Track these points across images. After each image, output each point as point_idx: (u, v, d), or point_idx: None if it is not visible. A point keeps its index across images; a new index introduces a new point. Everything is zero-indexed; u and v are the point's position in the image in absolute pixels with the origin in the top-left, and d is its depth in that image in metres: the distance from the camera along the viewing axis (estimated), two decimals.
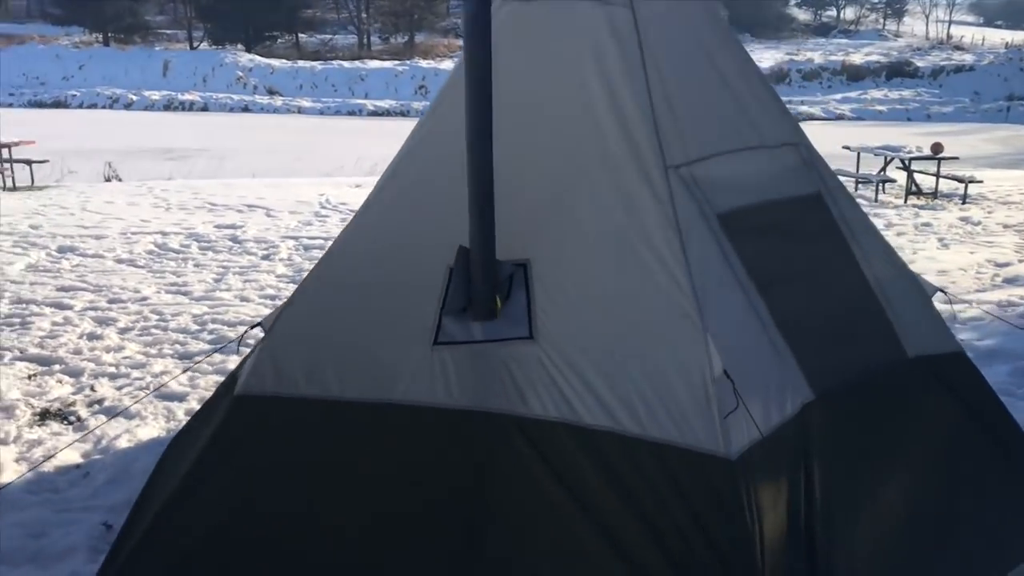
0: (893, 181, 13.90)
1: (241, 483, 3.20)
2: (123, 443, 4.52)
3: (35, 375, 5.49)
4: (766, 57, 45.45)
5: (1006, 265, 8.81)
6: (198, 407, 4.16)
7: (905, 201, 13.12)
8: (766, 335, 3.08)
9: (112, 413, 4.86)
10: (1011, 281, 8.19)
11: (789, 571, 2.77)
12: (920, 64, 43.43)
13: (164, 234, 9.88)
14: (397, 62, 42.82)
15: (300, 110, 35.50)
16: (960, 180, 13.38)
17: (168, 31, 51.47)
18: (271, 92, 38.61)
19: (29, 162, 13.84)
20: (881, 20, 65.55)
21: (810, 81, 42.14)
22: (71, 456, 4.36)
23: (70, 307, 6.97)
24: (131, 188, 13.48)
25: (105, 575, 3.21)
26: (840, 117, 34.79)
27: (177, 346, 6.11)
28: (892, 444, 3.28)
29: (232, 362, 5.23)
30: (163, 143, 21.97)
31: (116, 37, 47.30)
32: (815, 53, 47.15)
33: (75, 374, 5.53)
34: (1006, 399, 4.34)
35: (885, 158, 14.14)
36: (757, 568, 2.65)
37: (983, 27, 65.21)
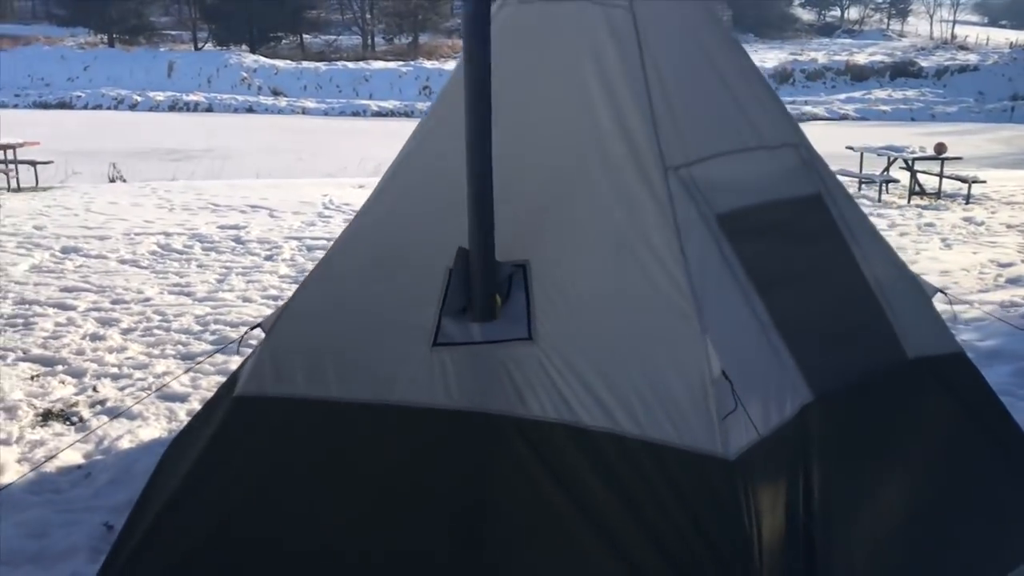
0: (896, 181, 13.90)
1: (241, 484, 3.21)
2: (125, 444, 4.53)
3: (38, 376, 5.51)
4: (770, 57, 45.44)
5: (1009, 265, 8.80)
6: (200, 407, 4.16)
7: (908, 201, 13.12)
8: (765, 336, 3.08)
9: (114, 414, 4.88)
10: (1014, 281, 8.18)
11: (787, 572, 2.77)
12: (924, 64, 43.40)
13: (167, 235, 9.90)
14: (401, 63, 42.88)
15: (304, 111, 35.56)
16: (963, 180, 13.37)
17: (173, 32, 51.57)
18: (275, 93, 38.69)
19: (33, 163, 13.88)
20: (885, 20, 65.50)
21: (814, 81, 42.13)
22: (73, 456, 4.37)
23: (73, 308, 6.98)
24: (135, 189, 13.51)
25: (105, 575, 3.22)
26: (844, 117, 34.78)
27: (179, 347, 6.12)
28: (891, 445, 3.28)
29: (234, 362, 5.24)
30: (167, 144, 22.02)
31: (121, 38, 47.40)
32: (819, 53, 47.13)
33: (78, 375, 5.54)
34: (1008, 400, 4.34)
35: (888, 158, 14.13)
36: (755, 569, 2.65)
37: (987, 27, 65.13)
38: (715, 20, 3.68)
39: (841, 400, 3.17)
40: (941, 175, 13.57)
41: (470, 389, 3.07)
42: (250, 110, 35.58)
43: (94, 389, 5.33)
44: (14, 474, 4.15)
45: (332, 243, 3.53)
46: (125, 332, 6.41)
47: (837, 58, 45.15)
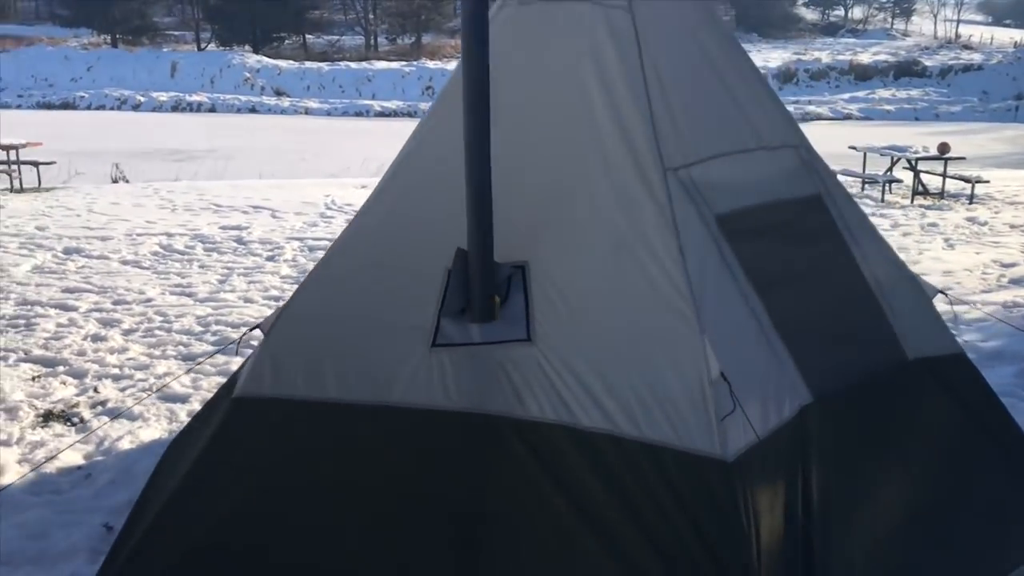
0: (900, 181, 13.87)
1: (240, 484, 3.21)
2: (125, 444, 4.54)
3: (39, 376, 5.51)
4: (773, 57, 45.39)
5: (1012, 266, 8.78)
6: (200, 408, 4.16)
7: (912, 201, 13.09)
8: (764, 337, 3.08)
9: (115, 414, 4.88)
10: (1017, 282, 8.16)
11: (786, 573, 2.77)
12: (928, 63, 43.30)
13: (169, 235, 9.91)
14: (404, 63, 42.85)
15: (307, 111, 35.55)
16: (967, 180, 13.34)
17: (176, 32, 51.55)
18: (278, 93, 38.68)
19: (36, 164, 13.88)
20: (889, 19, 65.40)
21: (817, 81, 42.05)
22: (73, 457, 4.38)
23: (75, 308, 6.99)
24: (137, 189, 13.52)
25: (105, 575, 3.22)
26: (848, 117, 34.71)
27: (181, 347, 6.12)
28: (891, 446, 3.27)
29: (235, 363, 5.23)
30: (170, 144, 22.03)
31: (124, 39, 47.42)
32: (823, 53, 47.03)
33: (79, 375, 5.55)
34: (1011, 401, 4.34)
35: (892, 158, 14.10)
36: (754, 570, 2.64)
37: (992, 26, 65.00)
38: (715, 20, 3.68)
39: (841, 401, 3.17)
40: (944, 175, 13.54)
41: (469, 390, 3.07)
42: (253, 110, 35.57)
43: (95, 390, 5.33)
44: (14, 475, 4.16)
45: (332, 244, 3.53)
46: (126, 333, 6.42)
47: (841, 58, 45.05)
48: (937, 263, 8.87)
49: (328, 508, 3.12)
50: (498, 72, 2.95)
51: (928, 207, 12.66)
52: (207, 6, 48.80)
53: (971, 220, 11.51)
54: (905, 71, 42.50)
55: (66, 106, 35.32)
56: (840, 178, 12.46)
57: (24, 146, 13.87)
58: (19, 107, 34.34)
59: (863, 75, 42.40)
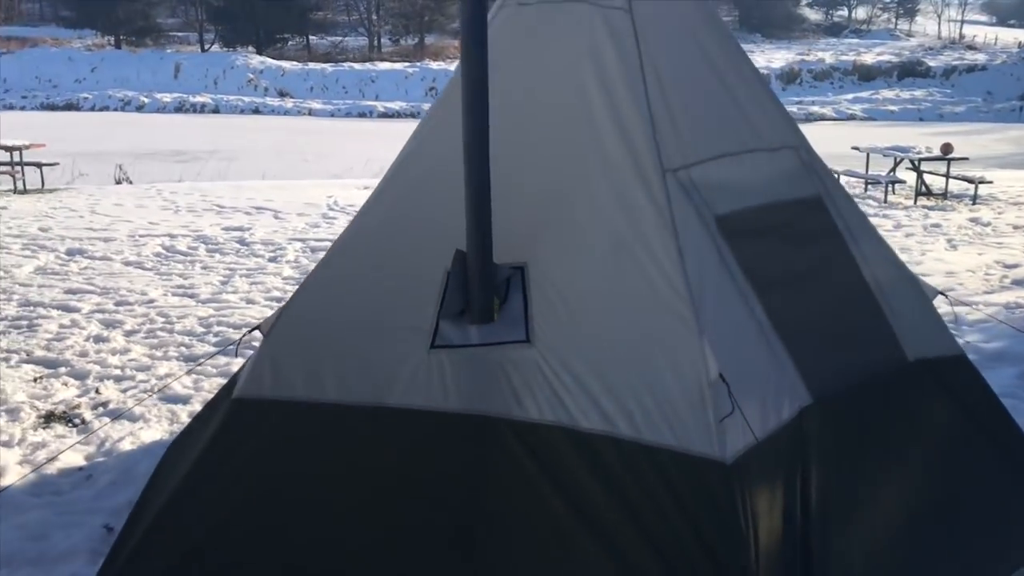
0: (903, 182, 13.85)
1: (239, 485, 3.21)
2: (126, 445, 4.54)
3: (41, 377, 5.52)
4: (777, 57, 45.39)
5: (1015, 267, 8.76)
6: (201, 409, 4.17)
7: (915, 202, 13.08)
8: (764, 338, 3.07)
9: (116, 415, 4.88)
10: (1020, 283, 8.14)
11: (784, 575, 2.76)
12: (932, 64, 43.29)
13: (172, 236, 9.92)
14: (407, 64, 42.92)
15: (311, 112, 35.61)
16: (970, 181, 13.33)
17: (179, 34, 51.65)
18: (282, 94, 38.75)
19: (39, 165, 13.90)
20: (893, 20, 65.33)
21: (821, 81, 42.05)
22: (74, 458, 4.38)
23: (77, 310, 7.00)
24: (140, 190, 13.54)
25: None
26: (851, 117, 34.71)
27: (182, 348, 6.13)
28: (891, 448, 3.27)
29: (236, 364, 5.24)
30: (174, 145, 22.06)
31: (128, 40, 47.53)
32: (826, 53, 47.02)
33: (81, 376, 5.55)
34: (1013, 402, 4.33)
35: (895, 159, 14.08)
36: (752, 571, 2.64)
37: (996, 26, 64.91)
38: (715, 21, 3.67)
39: (840, 402, 3.16)
40: (947, 176, 13.53)
41: (468, 391, 3.06)
42: (256, 111, 35.64)
43: (97, 391, 5.33)
44: (15, 476, 4.16)
45: (332, 245, 3.53)
46: (128, 334, 6.42)
47: (844, 58, 45.04)
48: (940, 264, 8.86)
49: (327, 509, 3.12)
50: (497, 73, 2.95)
51: (931, 208, 12.65)
52: (211, 7, 48.88)
53: (974, 221, 11.49)
54: (909, 71, 42.48)
55: (70, 107, 35.40)
56: (843, 179, 12.41)
57: (27, 147, 13.90)
58: (23, 108, 34.42)
59: (867, 75, 42.39)
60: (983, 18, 72.48)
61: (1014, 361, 5.80)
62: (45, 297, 7.34)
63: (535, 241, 3.11)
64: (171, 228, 10.43)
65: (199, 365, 5.63)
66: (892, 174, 13.82)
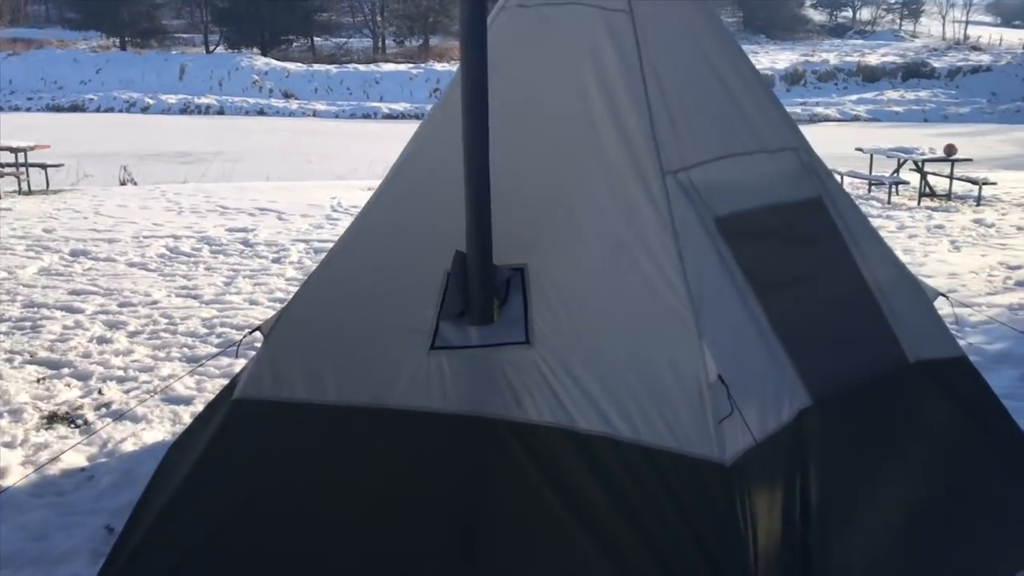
0: (906, 183, 13.83)
1: (239, 486, 3.22)
2: (128, 446, 4.55)
3: (44, 378, 5.53)
4: (781, 58, 45.35)
5: (1019, 268, 8.74)
6: (202, 410, 4.17)
7: (918, 203, 13.05)
8: (763, 340, 3.08)
9: (118, 416, 4.89)
10: (1023, 284, 8.12)
11: None
12: (937, 65, 43.22)
13: (176, 238, 9.94)
14: (411, 65, 42.94)
15: (315, 113, 35.65)
16: (974, 182, 13.31)
17: (184, 35, 51.74)
18: (286, 95, 38.80)
19: (44, 166, 13.93)
20: (897, 21, 65.21)
21: (825, 82, 42.01)
22: (76, 459, 4.39)
23: (81, 311, 7.01)
24: (144, 192, 13.57)
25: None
26: (856, 118, 34.67)
27: (185, 349, 6.14)
28: (891, 450, 3.27)
29: (239, 365, 5.25)
30: (178, 146, 22.09)
31: (133, 41, 47.62)
32: (831, 54, 46.97)
33: (83, 377, 5.56)
34: (1015, 404, 4.31)
35: (898, 160, 14.06)
36: (751, 573, 2.64)
37: (1000, 27, 64.78)
38: (715, 23, 3.67)
39: (840, 404, 3.17)
40: (951, 177, 13.51)
41: (467, 393, 3.07)
42: (261, 112, 35.69)
43: (100, 392, 5.34)
44: (18, 476, 4.17)
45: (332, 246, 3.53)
46: (132, 335, 6.43)
47: (849, 59, 44.99)
48: (943, 265, 8.85)
49: (327, 510, 3.12)
50: (498, 75, 2.96)
51: (935, 209, 12.62)
52: (215, 9, 48.95)
53: (978, 222, 11.48)
54: (913, 72, 42.42)
55: (75, 108, 35.47)
56: (847, 180, 12.36)
57: (32, 148, 13.93)
58: (28, 110, 34.52)
59: (871, 76, 42.34)
60: (988, 19, 72.33)
61: (1017, 362, 5.79)
62: (49, 298, 7.36)
63: (535, 242, 3.12)
64: (175, 229, 10.44)
65: (200, 366, 5.64)
66: (896, 175, 13.80)
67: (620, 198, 3.07)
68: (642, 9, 3.27)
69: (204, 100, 36.71)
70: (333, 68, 42.01)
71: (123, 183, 14.91)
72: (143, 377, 5.59)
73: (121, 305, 7.21)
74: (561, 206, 3.13)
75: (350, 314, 3.28)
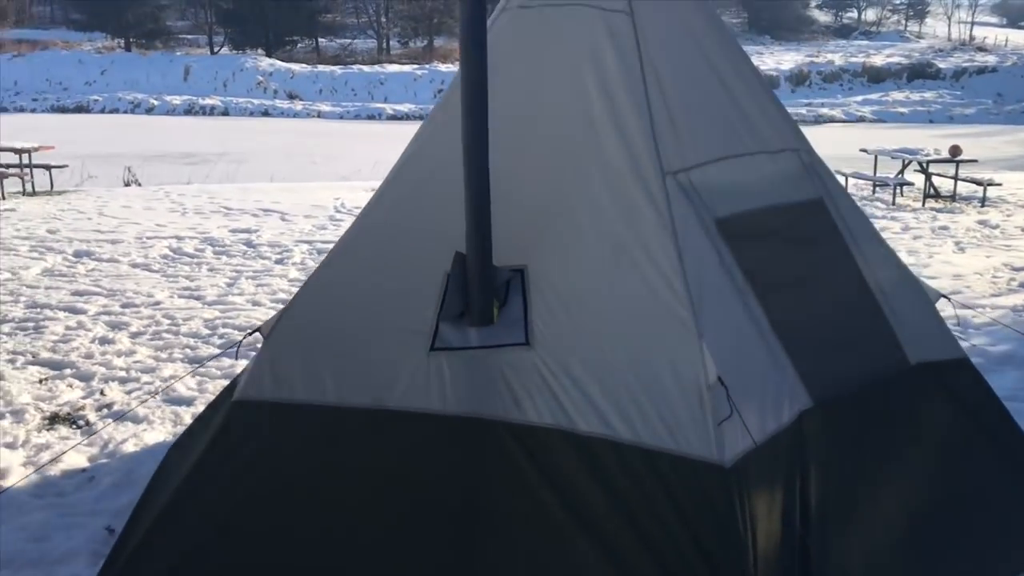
0: (911, 184, 13.79)
1: (239, 487, 3.22)
2: (130, 447, 4.55)
3: (46, 379, 5.54)
4: (786, 59, 45.28)
5: (1023, 269, 8.72)
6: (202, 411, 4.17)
7: (923, 204, 13.02)
8: (763, 342, 3.07)
9: (120, 417, 4.89)
10: None
11: None
12: (942, 66, 43.10)
13: (179, 238, 9.94)
14: (416, 66, 42.92)
15: (320, 114, 35.63)
16: (979, 183, 13.26)
17: (189, 36, 51.79)
18: (291, 96, 38.80)
19: (48, 167, 13.93)
20: (903, 21, 65.10)
21: (830, 83, 41.91)
22: (77, 460, 4.39)
23: (84, 311, 7.02)
24: (148, 193, 13.58)
25: None
26: (861, 119, 34.58)
27: (187, 350, 6.14)
28: (892, 452, 3.26)
29: (240, 366, 5.25)
30: (183, 147, 22.10)
31: (138, 42, 47.67)
32: (836, 55, 46.86)
33: (85, 378, 5.57)
34: (1018, 406, 4.29)
35: (903, 161, 14.03)
36: (750, 575, 2.63)
37: (1006, 28, 64.66)
38: (716, 24, 3.67)
39: (841, 406, 3.16)
40: (956, 178, 13.47)
41: (467, 394, 3.06)
42: (266, 113, 35.68)
43: (101, 393, 5.35)
44: (18, 477, 4.17)
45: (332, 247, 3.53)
46: (134, 336, 6.44)
47: (854, 60, 44.88)
48: (947, 266, 8.83)
49: (327, 511, 3.12)
50: (498, 76, 2.95)
51: (939, 210, 12.59)
52: (220, 10, 48.99)
53: (982, 223, 11.44)
54: (919, 73, 42.31)
55: (80, 109, 35.50)
56: (851, 181, 12.32)
57: (36, 149, 13.93)
58: (34, 111, 34.54)
59: (876, 77, 42.24)
60: (994, 20, 72.22)
61: (1020, 364, 5.78)
62: (52, 299, 7.36)
63: (535, 244, 3.11)
64: (178, 230, 10.45)
65: (200, 367, 5.64)
66: (900, 176, 13.77)
67: (620, 199, 3.07)
68: (643, 10, 3.27)
69: (209, 101, 36.72)
70: (338, 69, 42.01)
71: (127, 184, 14.92)
72: (145, 378, 5.59)
73: (124, 306, 7.22)
74: (561, 207, 3.13)
75: (350, 315, 3.28)
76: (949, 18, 61.17)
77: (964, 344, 4.91)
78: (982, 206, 12.83)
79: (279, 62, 42.72)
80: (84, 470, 4.32)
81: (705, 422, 2.74)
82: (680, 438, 2.77)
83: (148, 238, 9.96)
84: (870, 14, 65.89)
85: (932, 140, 19.47)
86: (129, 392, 5.37)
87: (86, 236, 9.98)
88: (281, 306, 7.02)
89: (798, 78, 41.35)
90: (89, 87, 38.98)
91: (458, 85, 3.03)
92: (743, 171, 3.38)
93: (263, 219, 11.30)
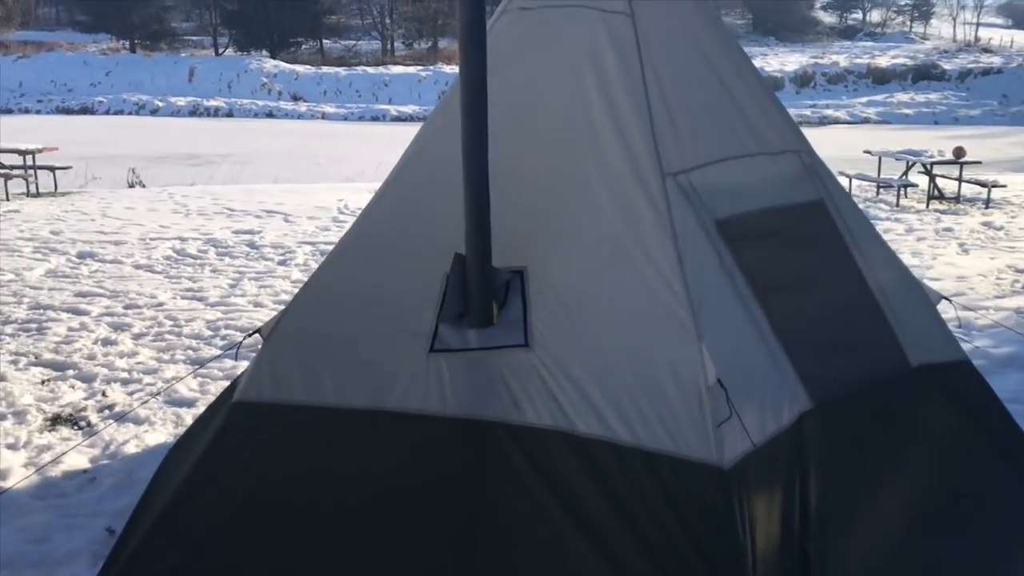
0: (915, 186, 13.77)
1: (238, 488, 3.22)
2: (131, 448, 4.55)
3: (48, 380, 5.54)
4: (791, 61, 45.28)
5: None
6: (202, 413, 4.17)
7: (927, 206, 13.00)
8: (763, 343, 3.06)
9: (121, 418, 4.90)
10: None
11: None
12: (947, 67, 43.07)
13: (182, 240, 9.96)
14: (420, 67, 42.99)
15: (324, 115, 35.70)
16: (983, 184, 13.25)
17: (194, 37, 51.95)
18: (295, 98, 38.88)
19: (52, 168, 13.97)
20: (907, 22, 65.04)
21: (835, 84, 41.91)
22: (78, 461, 4.39)
23: (87, 313, 7.03)
24: (151, 194, 13.60)
25: None
26: (865, 120, 34.56)
27: (190, 352, 6.14)
28: (892, 454, 3.25)
29: (242, 367, 5.25)
30: (187, 149, 22.15)
31: (143, 44, 47.80)
32: (840, 56, 46.86)
33: (88, 379, 5.57)
34: (1021, 408, 4.28)
35: (907, 162, 14.01)
36: None
37: (1012, 29, 64.54)
38: (717, 25, 3.66)
39: (841, 408, 3.15)
40: (960, 179, 13.45)
41: (466, 396, 3.06)
42: (270, 115, 35.77)
43: (103, 394, 5.35)
44: (19, 478, 4.17)
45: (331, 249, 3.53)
46: (136, 337, 6.45)
47: (859, 61, 44.88)
48: (951, 268, 8.81)
49: (326, 513, 3.12)
50: (498, 77, 2.95)
51: (943, 212, 12.57)
52: (225, 11, 49.11)
53: (987, 225, 11.42)
54: (924, 74, 42.28)
55: (85, 111, 35.61)
56: (855, 183, 12.29)
57: (40, 151, 13.97)
58: (39, 112, 34.67)
59: (881, 79, 42.22)
60: (999, 21, 72.11)
61: (1023, 366, 5.75)
62: (55, 300, 7.37)
63: (534, 245, 3.11)
64: (181, 231, 10.47)
65: (200, 368, 5.64)
66: (904, 178, 13.75)
67: (620, 201, 3.06)
68: (643, 11, 3.26)
69: (213, 103, 36.81)
70: (342, 70, 42.09)
71: (131, 185, 14.95)
72: (147, 379, 5.60)
73: (127, 307, 7.23)
74: (560, 208, 3.12)
75: (349, 317, 3.28)
76: (954, 19, 61.11)
77: (967, 346, 4.89)
78: (986, 208, 12.81)
79: (283, 63, 42.80)
80: (85, 471, 4.32)
81: (704, 424, 2.74)
82: (679, 440, 2.76)
83: (151, 239, 9.98)
84: (875, 15, 65.84)
85: (936, 141, 19.43)
86: (131, 393, 5.37)
87: (89, 237, 10.00)
88: (283, 307, 7.05)
89: (803, 79, 41.33)
90: (94, 88, 39.09)
91: (458, 86, 3.02)
92: (743, 172, 3.37)
93: (266, 220, 11.31)
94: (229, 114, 35.80)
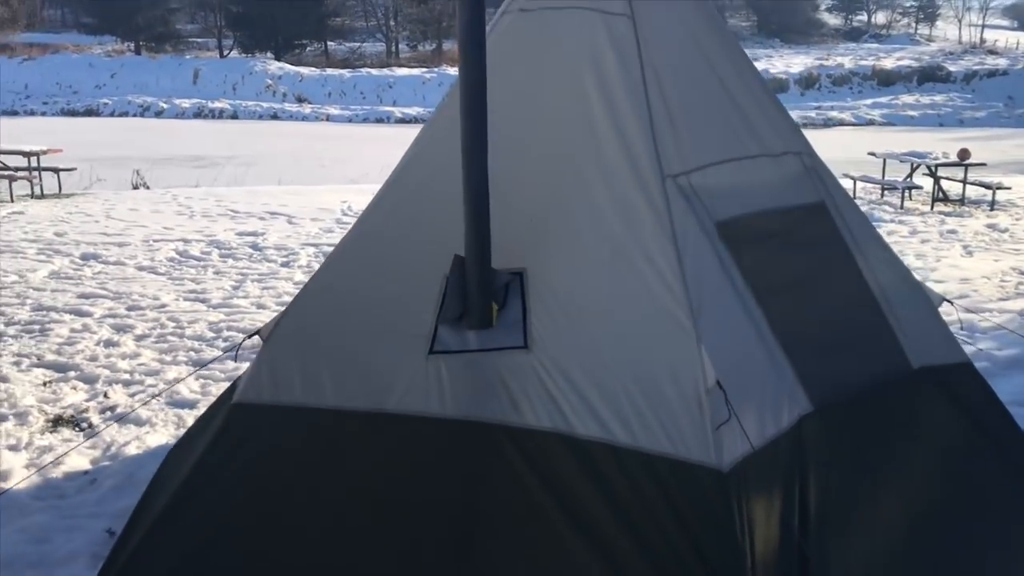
0: (919, 188, 13.74)
1: (238, 490, 3.21)
2: (132, 450, 4.55)
3: (50, 382, 5.55)
4: (796, 62, 45.25)
5: None
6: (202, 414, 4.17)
7: (931, 208, 12.97)
8: (763, 345, 3.05)
9: (122, 419, 4.90)
10: None
11: None
12: (952, 69, 42.98)
13: (186, 241, 9.96)
14: (425, 69, 43.02)
15: (328, 117, 35.72)
16: (988, 186, 13.22)
17: (199, 40, 52.04)
18: (300, 100, 38.91)
19: (57, 170, 14.00)
20: (913, 24, 64.95)
21: (840, 86, 41.84)
22: (79, 462, 4.40)
23: (89, 314, 7.03)
24: (155, 196, 13.62)
25: None
26: (871, 122, 34.52)
27: (192, 353, 6.15)
28: (893, 456, 3.23)
29: (243, 369, 5.25)
30: (192, 151, 22.18)
31: (147, 46, 47.89)
32: (846, 58, 46.81)
33: (90, 381, 5.57)
34: (1023, 411, 4.27)
35: (911, 164, 13.98)
36: None
37: (1017, 31, 64.42)
38: (718, 26, 3.65)
39: (841, 410, 3.14)
40: (965, 181, 13.42)
41: (465, 398, 3.05)
42: (275, 117, 35.80)
43: (105, 395, 5.36)
44: (20, 479, 4.17)
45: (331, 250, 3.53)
46: (139, 338, 6.45)
47: (864, 63, 44.82)
48: (955, 270, 8.78)
49: (324, 514, 3.12)
50: (498, 79, 2.95)
51: (948, 214, 12.54)
52: (230, 14, 49.16)
53: (991, 227, 11.39)
54: (929, 76, 42.21)
55: (90, 113, 35.68)
56: (859, 185, 12.27)
57: (45, 152, 14.00)
58: (44, 114, 34.75)
59: (886, 80, 42.15)
60: (1005, 22, 71.98)
61: None
62: (58, 301, 7.38)
63: (534, 247, 3.10)
64: (185, 233, 10.47)
65: (200, 369, 5.64)
66: (909, 180, 13.72)
67: (620, 202, 3.05)
68: (643, 12, 3.26)
69: (218, 104, 36.86)
70: (347, 72, 42.13)
71: (135, 187, 14.97)
72: (149, 381, 5.60)
73: (129, 309, 7.23)
74: (560, 210, 3.12)
75: (349, 318, 3.27)
76: (960, 21, 61.02)
77: (970, 348, 4.88)
78: (991, 210, 12.78)
79: (288, 65, 42.85)
80: (86, 472, 4.32)
81: (704, 426, 2.73)
82: (678, 442, 2.75)
83: (155, 241, 9.99)
84: (880, 17, 65.76)
85: (941, 143, 19.39)
86: (133, 395, 5.37)
87: (93, 239, 10.01)
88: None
89: (807, 81, 41.29)
90: (99, 90, 39.17)
91: (458, 88, 3.02)
92: (744, 174, 3.36)
93: (270, 222, 11.32)
94: (233, 116, 35.84)
